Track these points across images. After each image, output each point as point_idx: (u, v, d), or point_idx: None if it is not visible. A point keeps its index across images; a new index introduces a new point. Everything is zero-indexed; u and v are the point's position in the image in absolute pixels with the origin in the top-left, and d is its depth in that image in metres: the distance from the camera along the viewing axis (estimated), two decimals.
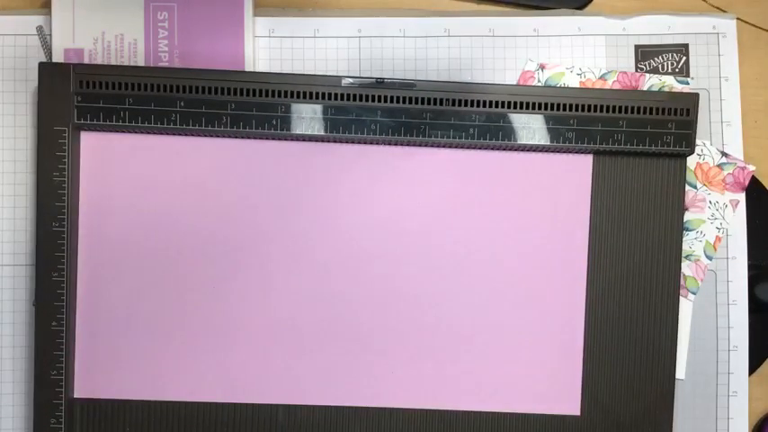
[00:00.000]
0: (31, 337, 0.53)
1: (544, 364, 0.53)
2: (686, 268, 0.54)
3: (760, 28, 0.56)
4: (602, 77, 0.55)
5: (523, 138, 0.51)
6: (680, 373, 0.54)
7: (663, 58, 0.55)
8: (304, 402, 0.53)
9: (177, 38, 0.53)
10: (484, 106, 0.51)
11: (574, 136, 0.51)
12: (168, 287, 0.52)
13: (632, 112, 0.51)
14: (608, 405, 0.53)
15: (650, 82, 0.55)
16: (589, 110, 0.51)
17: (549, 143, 0.51)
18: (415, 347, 0.53)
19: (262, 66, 0.55)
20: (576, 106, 0.51)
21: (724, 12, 0.56)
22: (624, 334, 0.53)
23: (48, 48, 0.53)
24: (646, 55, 0.55)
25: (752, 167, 0.55)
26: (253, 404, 0.53)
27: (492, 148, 0.52)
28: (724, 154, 0.55)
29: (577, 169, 0.53)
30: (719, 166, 0.55)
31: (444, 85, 0.51)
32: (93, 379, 0.52)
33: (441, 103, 0.51)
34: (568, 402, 0.53)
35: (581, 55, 0.55)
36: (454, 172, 0.53)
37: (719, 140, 0.55)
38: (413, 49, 0.55)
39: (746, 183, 0.55)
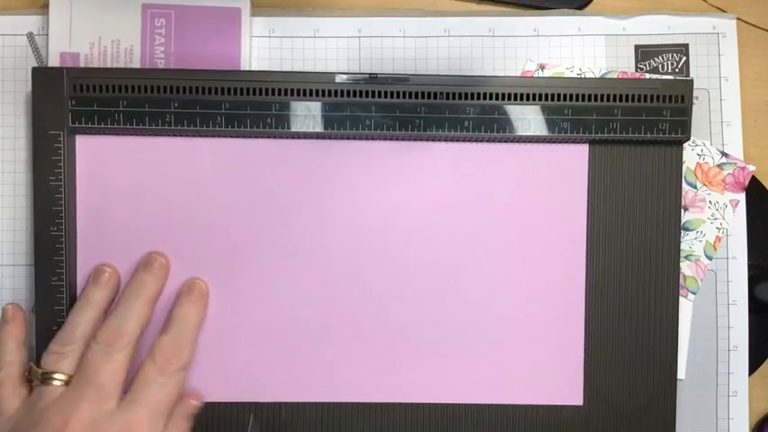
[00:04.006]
0: (30, 337, 0.53)
1: (546, 356, 0.53)
2: (686, 268, 0.54)
3: (760, 28, 0.56)
4: (601, 77, 0.55)
5: (519, 129, 0.51)
6: (680, 373, 0.54)
7: (663, 58, 0.55)
8: (307, 400, 0.53)
9: (174, 44, 0.53)
10: (478, 99, 0.51)
11: (569, 126, 0.51)
12: (167, 287, 0.52)
13: (627, 101, 0.51)
14: (611, 394, 0.53)
15: None
16: (584, 99, 0.51)
17: (544, 134, 0.51)
18: (416, 342, 0.53)
19: (262, 66, 0.55)
20: (571, 96, 0.51)
21: (724, 12, 0.56)
22: (625, 322, 0.53)
23: (38, 54, 0.53)
24: (646, 55, 0.55)
25: (752, 167, 0.55)
26: (255, 402, 0.53)
27: (487, 141, 0.52)
28: (724, 154, 0.55)
29: (574, 159, 0.53)
30: (719, 166, 0.55)
31: (438, 78, 0.51)
32: None
33: (434, 97, 0.51)
34: (571, 393, 0.53)
35: (581, 55, 0.55)
36: (450, 166, 0.53)
37: (719, 140, 0.55)
38: (413, 49, 0.55)
39: (746, 183, 0.55)
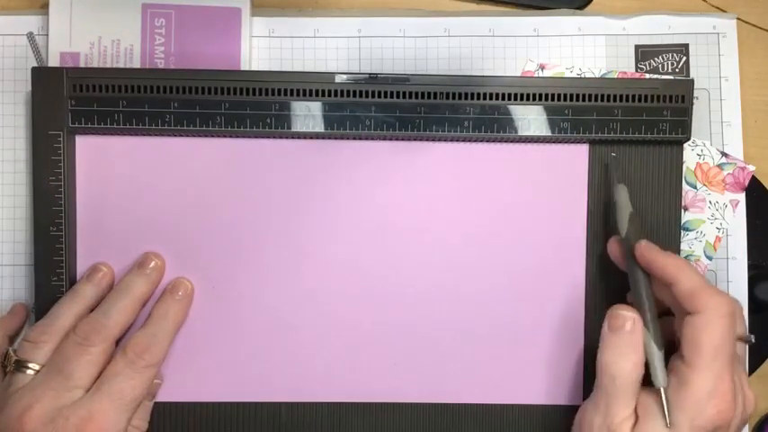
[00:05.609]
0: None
1: (546, 356, 0.53)
2: None
3: (760, 28, 0.56)
4: (601, 78, 0.55)
5: (519, 129, 0.51)
6: None
7: (663, 58, 0.55)
8: (307, 400, 0.53)
9: (174, 44, 0.53)
10: (478, 99, 0.51)
11: (569, 126, 0.51)
12: (160, 287, 0.52)
13: (627, 101, 0.51)
14: None
15: None
16: (584, 99, 0.51)
17: (544, 134, 0.51)
18: (416, 342, 0.53)
19: (262, 66, 0.55)
20: (571, 96, 0.51)
21: (724, 12, 0.56)
22: None
23: (38, 54, 0.53)
24: (646, 55, 0.55)
25: (752, 167, 0.55)
26: (255, 402, 0.53)
27: (487, 141, 0.52)
28: (724, 154, 0.55)
29: (574, 159, 0.53)
30: (719, 166, 0.55)
31: (438, 78, 0.51)
32: None
33: (434, 97, 0.51)
34: (571, 393, 0.53)
35: (581, 55, 0.55)
36: (451, 166, 0.53)
37: (719, 140, 0.55)
38: (413, 49, 0.55)
39: (746, 183, 0.55)
